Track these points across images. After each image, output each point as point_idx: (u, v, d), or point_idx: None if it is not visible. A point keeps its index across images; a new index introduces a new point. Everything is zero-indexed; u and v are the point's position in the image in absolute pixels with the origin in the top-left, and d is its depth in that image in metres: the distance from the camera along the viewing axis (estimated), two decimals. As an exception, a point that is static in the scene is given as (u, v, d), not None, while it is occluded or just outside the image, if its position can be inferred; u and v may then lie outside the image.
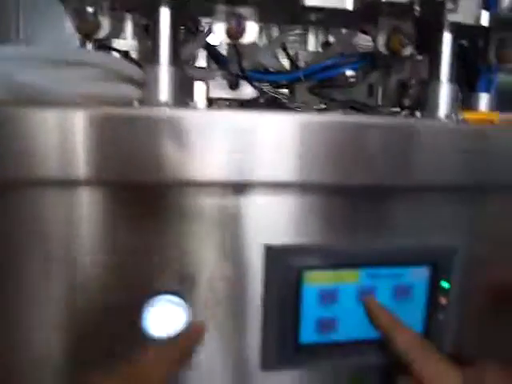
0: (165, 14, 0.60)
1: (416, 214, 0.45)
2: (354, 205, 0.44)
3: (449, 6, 0.58)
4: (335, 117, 0.41)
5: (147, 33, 0.85)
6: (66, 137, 0.37)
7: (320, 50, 0.96)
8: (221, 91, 0.94)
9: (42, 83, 0.51)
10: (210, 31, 0.72)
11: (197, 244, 0.41)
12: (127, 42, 0.91)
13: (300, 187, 0.41)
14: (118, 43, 0.80)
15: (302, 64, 0.92)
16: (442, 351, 0.46)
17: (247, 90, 0.93)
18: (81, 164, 0.37)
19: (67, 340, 0.40)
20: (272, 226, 0.43)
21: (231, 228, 0.42)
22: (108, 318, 0.41)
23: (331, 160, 0.40)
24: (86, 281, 0.40)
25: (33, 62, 0.53)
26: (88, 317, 0.40)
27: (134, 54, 0.92)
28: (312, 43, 0.95)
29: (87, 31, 0.58)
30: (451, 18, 0.62)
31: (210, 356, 0.44)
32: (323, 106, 0.81)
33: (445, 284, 0.47)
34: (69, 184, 0.38)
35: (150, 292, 0.41)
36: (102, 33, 0.60)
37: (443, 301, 0.47)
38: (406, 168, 0.41)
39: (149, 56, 0.83)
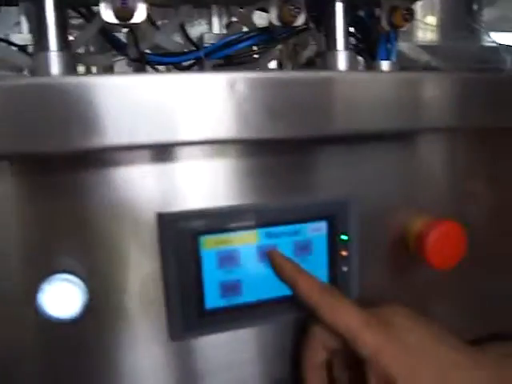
0: None
1: (309, 169, 0.46)
2: (247, 164, 0.44)
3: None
4: (259, 74, 0.41)
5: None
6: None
7: (225, 31, 0.97)
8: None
9: None
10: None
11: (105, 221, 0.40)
12: (24, 36, 0.88)
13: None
14: (15, 37, 0.77)
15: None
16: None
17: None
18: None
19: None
20: (167, 192, 0.42)
21: (127, 196, 0.41)
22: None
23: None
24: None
25: None
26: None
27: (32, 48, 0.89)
28: (216, 25, 0.96)
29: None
30: (339, -15, 0.64)
31: (119, 336, 0.43)
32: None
33: (344, 236, 0.48)
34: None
35: (46, 270, 0.40)
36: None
37: (344, 253, 0.48)
38: (300, 121, 0.41)
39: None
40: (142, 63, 0.75)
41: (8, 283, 0.40)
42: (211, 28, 0.95)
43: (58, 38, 0.59)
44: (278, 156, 0.45)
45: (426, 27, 1.74)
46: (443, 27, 1.66)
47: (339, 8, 0.71)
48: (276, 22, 0.67)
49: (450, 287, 0.54)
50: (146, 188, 0.42)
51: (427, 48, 1.02)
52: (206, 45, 0.89)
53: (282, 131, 0.40)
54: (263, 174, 0.45)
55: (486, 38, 2.06)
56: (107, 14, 0.59)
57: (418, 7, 1.41)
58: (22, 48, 0.69)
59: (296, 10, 0.65)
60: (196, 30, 0.92)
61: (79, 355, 0.43)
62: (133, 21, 0.59)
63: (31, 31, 0.87)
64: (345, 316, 0.42)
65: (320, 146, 0.46)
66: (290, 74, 0.43)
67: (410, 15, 0.72)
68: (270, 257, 0.46)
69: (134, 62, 0.81)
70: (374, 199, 0.49)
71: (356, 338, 0.41)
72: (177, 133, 0.37)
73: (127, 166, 0.41)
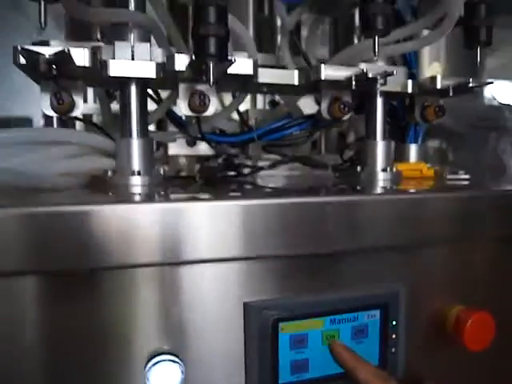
0: (133, 92, 0.67)
1: (365, 267, 0.55)
2: (312, 265, 0.52)
3: (380, 82, 0.68)
4: (276, 200, 0.49)
5: (108, 96, 0.92)
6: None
7: (267, 107, 1.06)
8: (179, 148, 1.01)
9: (23, 169, 0.57)
10: (171, 100, 0.80)
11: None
12: (89, 105, 0.97)
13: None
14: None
15: (252, 121, 1.01)
16: (397, 378, 0.55)
17: (203, 147, 1.01)
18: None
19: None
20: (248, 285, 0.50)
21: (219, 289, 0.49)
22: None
23: (281, 236, 0.48)
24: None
25: (12, 147, 0.59)
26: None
27: (95, 117, 0.98)
28: (260, 102, 1.05)
29: (63, 111, 0.64)
30: (382, 88, 0.73)
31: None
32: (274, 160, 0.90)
33: (394, 322, 0.56)
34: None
35: (149, 354, 0.47)
36: (77, 112, 0.66)
37: (393, 336, 0.56)
38: (352, 235, 0.51)
39: (110, 118, 0.90)
40: (204, 141, 0.85)
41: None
42: (255, 104, 1.05)
43: (139, 126, 0.68)
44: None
45: (432, 71, 1.84)
46: (450, 69, 1.76)
47: (379, 103, 0.80)
48: (325, 115, 0.77)
49: (479, 366, 0.61)
50: (235, 281, 0.50)
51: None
52: (250, 120, 0.99)
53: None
54: (316, 272, 0.53)
55: (488, 96, 2.17)
56: (184, 108, 0.68)
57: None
58: (101, 128, 0.77)
59: (346, 108, 0.74)
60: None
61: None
62: (206, 113, 0.68)
63: (96, 101, 0.97)
64: None
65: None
66: (300, 200, 0.51)
67: (441, 112, 0.82)
68: (331, 346, 0.53)
69: (188, 136, 0.90)
70: (420, 291, 0.57)
71: None
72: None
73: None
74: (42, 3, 0.52)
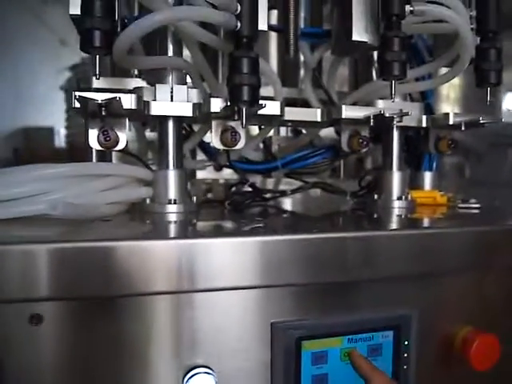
0: (171, 128, 0.74)
1: (381, 292, 0.61)
2: (332, 290, 0.59)
3: (397, 120, 0.74)
4: (288, 236, 0.56)
5: (143, 125, 1.00)
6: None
7: (290, 134, 1.13)
8: (207, 173, 1.09)
9: (76, 201, 0.64)
10: (202, 132, 0.87)
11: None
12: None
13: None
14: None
15: (275, 147, 1.08)
16: None
17: (228, 171, 1.08)
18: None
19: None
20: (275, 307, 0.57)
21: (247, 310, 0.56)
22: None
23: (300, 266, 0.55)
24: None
25: (67, 180, 0.66)
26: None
27: (130, 144, 1.06)
28: (283, 130, 1.12)
29: (109, 146, 0.71)
30: (399, 123, 0.80)
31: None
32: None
33: (406, 342, 0.61)
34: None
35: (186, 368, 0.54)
36: (121, 146, 0.73)
37: (405, 355, 0.62)
38: (368, 267, 0.57)
39: (145, 145, 0.97)
40: (232, 169, 0.92)
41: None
42: (278, 131, 1.12)
43: (175, 158, 0.75)
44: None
45: (448, 100, 1.89)
46: (464, 100, 1.81)
47: (396, 136, 0.86)
48: (345, 148, 0.83)
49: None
50: (261, 303, 0.56)
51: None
52: (274, 146, 1.06)
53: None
54: (334, 296, 0.60)
55: (506, 111, 2.21)
56: (217, 142, 0.75)
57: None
58: (138, 157, 0.84)
59: (364, 143, 0.80)
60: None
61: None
62: (236, 148, 0.75)
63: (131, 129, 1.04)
64: None
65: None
66: (313, 236, 0.56)
67: (453, 144, 0.87)
68: (350, 355, 0.59)
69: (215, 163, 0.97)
70: (431, 315, 0.63)
71: None
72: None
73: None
74: (97, 57, 0.60)
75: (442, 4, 0.72)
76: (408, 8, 0.70)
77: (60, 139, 2.16)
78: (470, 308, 0.66)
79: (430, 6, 0.72)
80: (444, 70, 0.83)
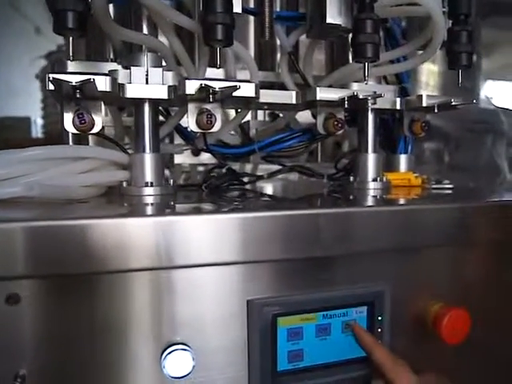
0: (147, 111, 0.74)
1: (355, 268, 0.62)
2: (306, 267, 0.60)
3: (370, 102, 0.76)
4: (271, 212, 0.57)
5: (120, 110, 0.99)
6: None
7: (267, 119, 1.14)
8: (185, 158, 1.09)
9: (50, 182, 0.64)
10: (179, 116, 0.87)
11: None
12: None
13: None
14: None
15: (252, 131, 1.08)
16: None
17: (205, 156, 1.09)
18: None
19: None
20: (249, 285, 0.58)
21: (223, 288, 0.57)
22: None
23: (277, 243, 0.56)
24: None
25: (44, 163, 0.66)
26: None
27: (107, 129, 1.05)
28: (260, 114, 1.13)
29: (85, 129, 0.71)
30: (373, 106, 0.81)
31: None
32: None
33: (379, 317, 0.63)
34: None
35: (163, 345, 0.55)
36: (96, 129, 0.73)
37: (379, 330, 0.63)
38: (342, 242, 0.58)
39: (121, 130, 0.97)
40: (209, 153, 0.92)
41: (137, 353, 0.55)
42: (256, 116, 1.12)
43: (152, 142, 0.76)
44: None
45: (428, 87, 1.92)
46: (444, 87, 1.83)
47: (371, 118, 0.88)
48: (321, 130, 0.84)
49: (456, 358, 0.69)
50: (237, 280, 0.57)
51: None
52: (251, 130, 1.06)
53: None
54: (309, 272, 0.61)
55: (484, 99, 2.23)
56: (193, 125, 0.75)
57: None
58: (115, 141, 0.84)
59: (339, 125, 0.81)
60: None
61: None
62: (212, 130, 0.75)
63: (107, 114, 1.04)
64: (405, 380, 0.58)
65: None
66: (289, 212, 0.57)
67: (427, 127, 0.89)
68: (353, 328, 0.62)
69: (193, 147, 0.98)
70: (404, 290, 0.64)
71: None
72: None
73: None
74: (71, 39, 0.60)
75: (414, -13, 0.73)
76: (381, -9, 0.72)
77: (37, 129, 2.14)
78: (442, 283, 0.68)
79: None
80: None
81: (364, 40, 0.69)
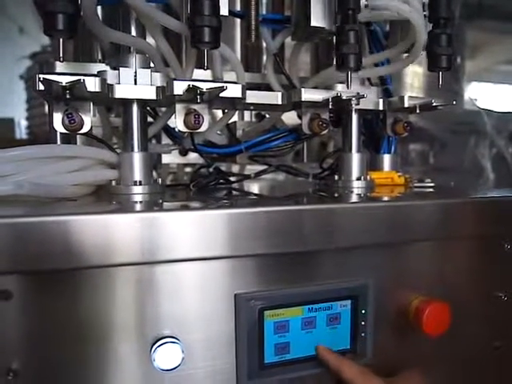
0: (135, 111, 0.76)
1: (339, 263, 0.64)
2: (292, 261, 0.62)
3: (354, 102, 0.78)
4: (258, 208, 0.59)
5: (108, 110, 1.00)
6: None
7: (254, 119, 1.16)
8: (172, 157, 1.10)
9: (39, 181, 0.65)
10: (167, 116, 0.89)
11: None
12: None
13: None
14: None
15: (239, 131, 1.10)
16: (367, 359, 0.65)
17: (193, 156, 1.10)
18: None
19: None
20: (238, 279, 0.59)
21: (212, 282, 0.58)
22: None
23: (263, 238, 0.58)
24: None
25: (33, 162, 0.67)
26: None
27: (95, 129, 1.06)
28: (247, 114, 1.14)
29: (74, 129, 0.72)
30: (357, 106, 0.83)
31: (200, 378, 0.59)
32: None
33: (363, 311, 0.65)
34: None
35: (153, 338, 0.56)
36: (85, 129, 0.74)
37: (363, 322, 0.65)
38: (326, 237, 0.61)
39: (109, 130, 0.98)
40: (196, 152, 0.93)
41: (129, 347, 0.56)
42: (243, 116, 1.14)
43: (140, 141, 0.77)
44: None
45: (412, 89, 1.95)
46: (428, 89, 1.87)
47: (354, 119, 0.90)
48: (306, 130, 0.86)
49: (436, 350, 0.71)
50: (225, 275, 0.59)
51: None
52: (238, 131, 1.08)
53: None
54: (294, 267, 0.63)
55: (468, 100, 2.27)
56: (180, 125, 0.77)
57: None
58: (103, 141, 0.85)
59: (324, 125, 0.83)
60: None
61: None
62: (200, 130, 0.77)
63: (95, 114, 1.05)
64: None
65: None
66: (275, 208, 0.59)
67: (409, 127, 0.91)
68: (317, 352, 0.63)
69: (180, 147, 0.99)
70: (387, 284, 0.66)
71: None
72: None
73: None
74: (61, 40, 0.61)
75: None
76: (363, 2, 0.74)
77: (21, 130, 2.12)
78: (423, 277, 0.70)
79: (384, 0, 0.76)
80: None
81: (347, 51, 0.71)
